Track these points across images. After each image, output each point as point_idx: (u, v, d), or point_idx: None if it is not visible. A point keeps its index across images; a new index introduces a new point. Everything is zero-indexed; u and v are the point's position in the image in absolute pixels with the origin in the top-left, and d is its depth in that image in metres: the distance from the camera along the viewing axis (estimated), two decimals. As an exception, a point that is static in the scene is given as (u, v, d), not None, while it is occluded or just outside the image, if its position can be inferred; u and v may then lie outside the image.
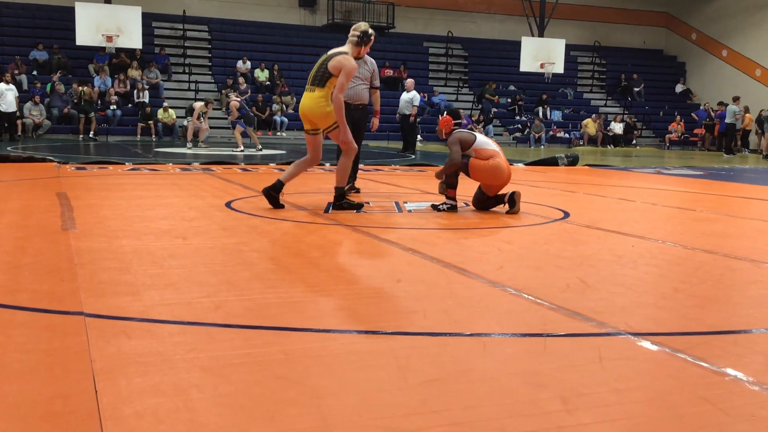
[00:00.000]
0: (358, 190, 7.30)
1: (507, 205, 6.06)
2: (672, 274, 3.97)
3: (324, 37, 23.19)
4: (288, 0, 25.10)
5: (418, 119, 16.58)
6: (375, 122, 7.74)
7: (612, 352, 2.52)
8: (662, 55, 29.96)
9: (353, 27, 6.06)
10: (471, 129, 6.67)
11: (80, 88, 18.50)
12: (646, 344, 2.58)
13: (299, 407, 1.97)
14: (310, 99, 5.79)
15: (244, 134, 14.47)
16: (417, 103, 15.78)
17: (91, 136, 18.09)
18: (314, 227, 5.23)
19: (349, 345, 2.58)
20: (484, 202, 6.23)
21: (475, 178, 6.11)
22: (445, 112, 6.42)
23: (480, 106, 24.17)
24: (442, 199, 6.24)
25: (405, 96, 15.94)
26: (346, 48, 5.92)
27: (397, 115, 16.35)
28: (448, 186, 6.14)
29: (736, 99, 20.60)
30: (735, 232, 5.59)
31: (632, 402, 2.09)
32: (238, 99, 14.85)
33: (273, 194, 5.90)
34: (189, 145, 15.69)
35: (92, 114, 18.19)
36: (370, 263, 4.21)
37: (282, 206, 5.91)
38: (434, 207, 6.18)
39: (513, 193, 6.03)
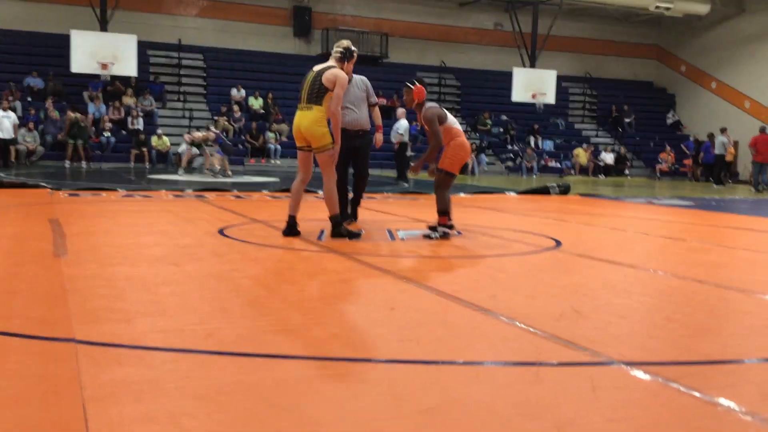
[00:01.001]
0: (355, 219, 7.16)
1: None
2: (665, 304, 3.98)
3: (318, 67, 23.31)
4: (282, 30, 25.33)
5: (410, 152, 16.56)
6: (378, 137, 7.26)
7: (605, 381, 2.52)
8: (652, 87, 30.31)
9: (336, 44, 6.17)
10: None
11: (72, 114, 18.43)
12: (639, 374, 2.58)
13: (292, 436, 1.96)
14: (307, 118, 5.80)
15: (233, 160, 14.99)
16: (402, 131, 15.83)
17: (83, 165, 18.00)
18: (307, 254, 5.23)
19: (343, 373, 2.57)
20: (444, 189, 6.18)
21: (442, 163, 6.12)
22: (416, 82, 6.26)
23: (478, 136, 24.26)
24: (435, 226, 6.24)
25: (395, 125, 16.07)
26: (331, 63, 6.00)
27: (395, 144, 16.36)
28: (441, 213, 6.15)
29: (723, 130, 20.82)
30: (726, 262, 5.61)
31: None
32: (216, 131, 16.49)
33: (293, 231, 5.95)
34: (180, 171, 15.76)
35: (80, 141, 18.09)
36: (363, 291, 4.20)
37: (299, 233, 5.96)
38: (426, 236, 6.17)
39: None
